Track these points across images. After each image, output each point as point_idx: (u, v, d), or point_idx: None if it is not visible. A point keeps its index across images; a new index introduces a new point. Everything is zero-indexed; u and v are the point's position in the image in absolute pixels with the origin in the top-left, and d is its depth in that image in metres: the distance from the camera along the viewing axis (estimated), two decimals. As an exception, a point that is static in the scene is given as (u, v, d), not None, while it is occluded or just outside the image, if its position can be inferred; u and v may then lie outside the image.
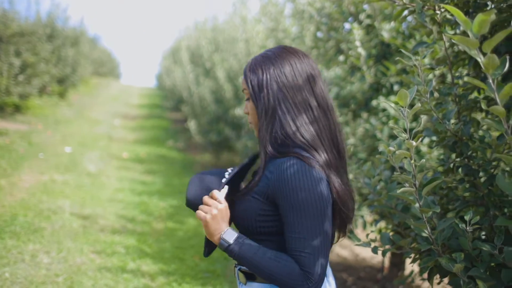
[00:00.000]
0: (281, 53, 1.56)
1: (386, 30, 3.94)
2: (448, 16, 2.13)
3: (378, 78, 4.12)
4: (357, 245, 2.13)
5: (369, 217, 4.72)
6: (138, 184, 7.40)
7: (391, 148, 1.62)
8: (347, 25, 4.60)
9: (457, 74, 2.49)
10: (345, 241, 5.77)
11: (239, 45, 7.58)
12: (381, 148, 3.31)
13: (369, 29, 4.30)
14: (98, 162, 8.48)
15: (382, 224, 4.25)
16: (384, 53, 4.20)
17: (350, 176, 2.83)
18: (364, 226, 4.27)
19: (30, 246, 4.45)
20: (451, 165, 2.21)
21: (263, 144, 1.53)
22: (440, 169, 2.43)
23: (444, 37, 2.08)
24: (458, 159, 2.14)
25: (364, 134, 4.01)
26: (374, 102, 4.05)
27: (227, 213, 1.53)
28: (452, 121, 2.15)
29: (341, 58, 4.57)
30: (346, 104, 4.52)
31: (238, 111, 6.70)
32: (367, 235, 2.36)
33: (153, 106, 19.11)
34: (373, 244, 2.17)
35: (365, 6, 4.25)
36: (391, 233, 2.62)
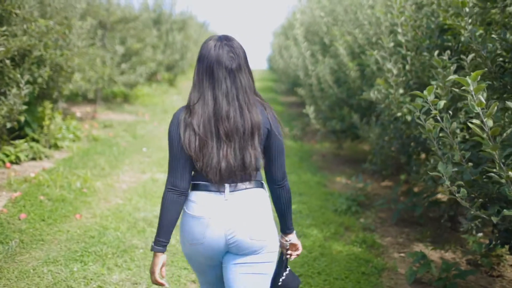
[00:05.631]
0: None
1: None
2: None
3: None
4: None
5: None
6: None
7: None
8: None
9: None
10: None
11: (365, 13, 6.20)
12: None
13: None
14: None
15: None
16: None
17: None
18: None
19: (115, 274, 3.52)
20: None
21: None
22: None
23: None
24: None
25: None
26: None
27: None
28: None
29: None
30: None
31: (366, 94, 5.32)
32: None
33: (266, 89, 18.12)
34: None
35: None
36: None
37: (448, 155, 2.68)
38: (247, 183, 2.04)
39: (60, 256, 3.72)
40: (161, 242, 2.03)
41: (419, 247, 4.36)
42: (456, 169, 2.45)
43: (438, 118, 2.52)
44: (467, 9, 3.40)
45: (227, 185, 2.01)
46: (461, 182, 2.43)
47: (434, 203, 4.62)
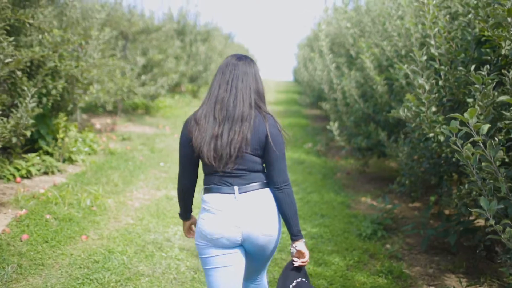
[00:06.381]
0: None
1: None
2: None
3: None
4: None
5: None
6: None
7: None
8: None
9: None
10: None
11: (394, 24, 5.85)
12: None
13: None
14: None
15: None
16: None
17: None
18: None
19: (116, 307, 3.23)
20: None
21: None
22: None
23: None
24: None
25: None
26: None
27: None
28: None
29: None
30: None
31: (395, 112, 4.94)
32: None
33: (290, 102, 17.81)
34: None
35: None
36: None
37: (489, 187, 2.32)
38: (254, 184, 2.30)
39: (59, 283, 3.44)
40: (183, 215, 2.58)
41: (451, 279, 3.96)
42: (501, 206, 2.08)
43: (481, 144, 2.16)
44: (509, 19, 3.05)
45: (236, 187, 2.27)
46: (508, 221, 2.07)
47: (468, 230, 4.22)
